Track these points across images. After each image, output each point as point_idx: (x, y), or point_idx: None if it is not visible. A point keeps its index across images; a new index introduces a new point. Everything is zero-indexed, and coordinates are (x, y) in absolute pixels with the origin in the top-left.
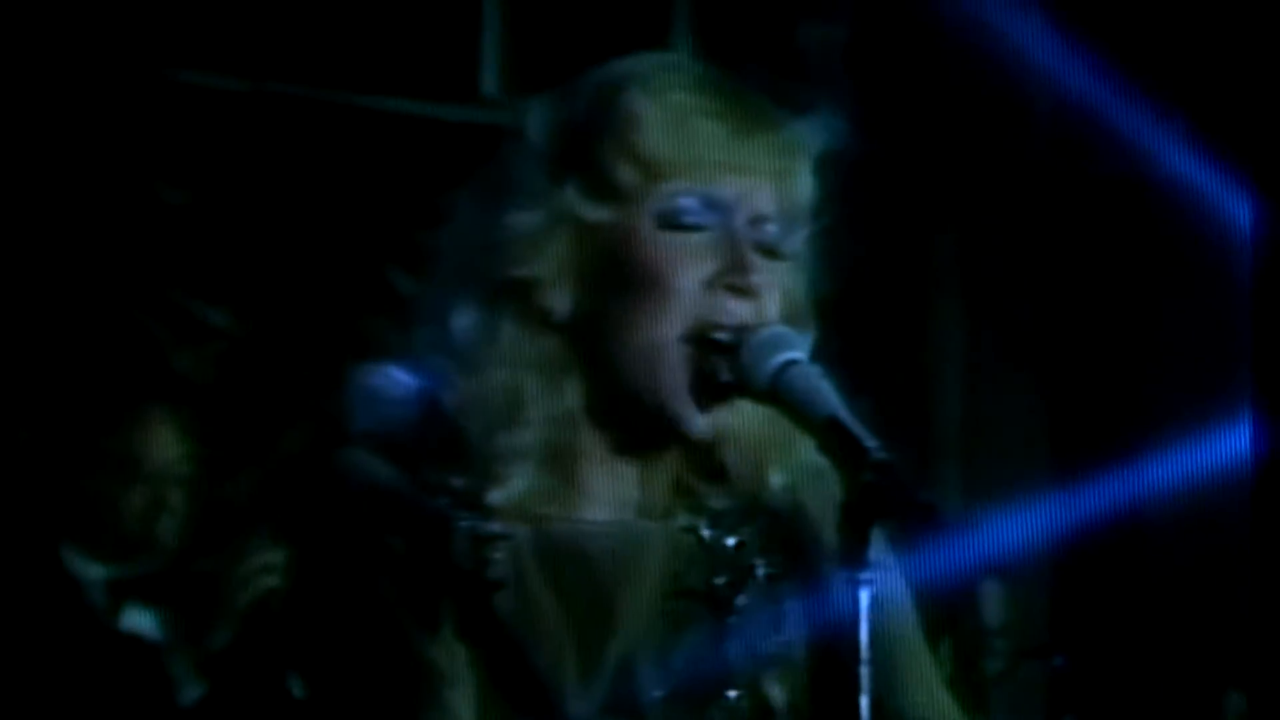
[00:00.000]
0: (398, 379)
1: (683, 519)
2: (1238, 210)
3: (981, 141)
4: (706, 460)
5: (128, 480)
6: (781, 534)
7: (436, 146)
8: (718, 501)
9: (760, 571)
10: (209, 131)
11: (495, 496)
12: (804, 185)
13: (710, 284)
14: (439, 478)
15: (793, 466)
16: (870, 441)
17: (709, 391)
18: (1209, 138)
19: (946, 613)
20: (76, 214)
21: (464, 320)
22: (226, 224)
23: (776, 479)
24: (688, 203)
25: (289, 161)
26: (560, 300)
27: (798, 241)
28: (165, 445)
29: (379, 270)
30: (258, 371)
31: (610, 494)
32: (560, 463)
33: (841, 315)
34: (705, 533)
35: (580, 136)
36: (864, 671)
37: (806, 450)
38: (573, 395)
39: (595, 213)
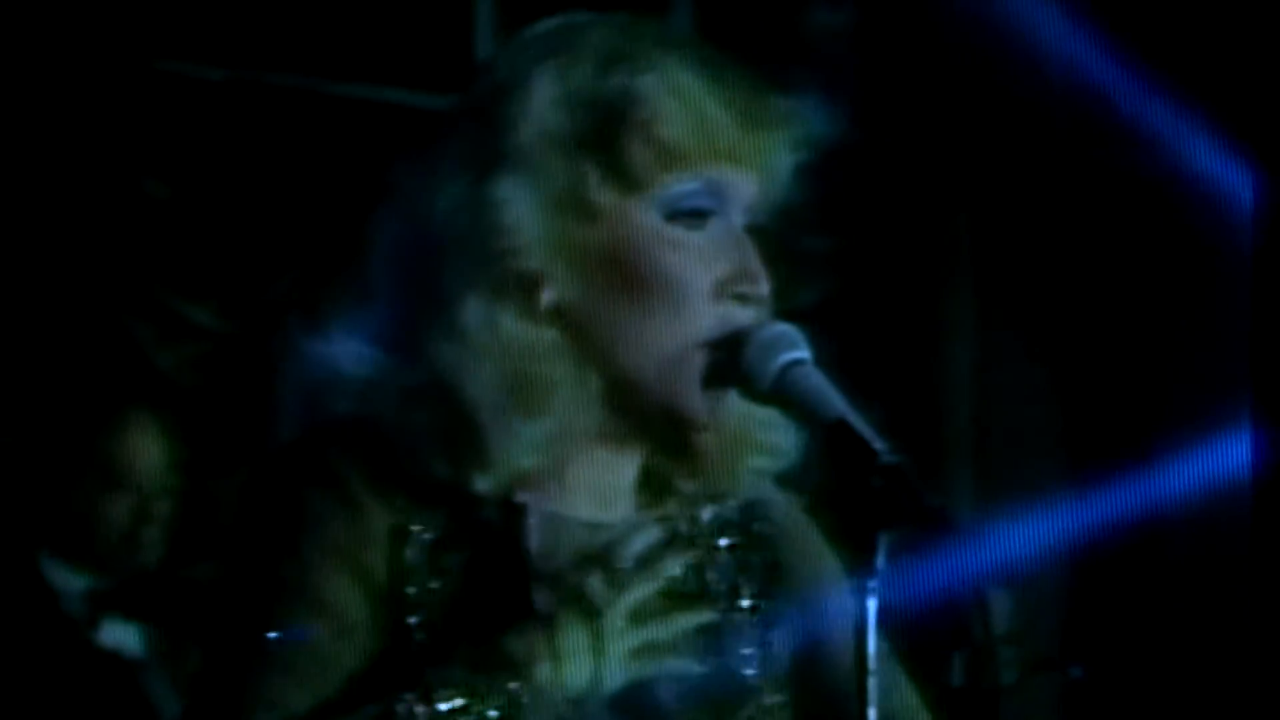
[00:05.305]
0: (362, 356)
1: (662, 519)
2: (1249, 201)
3: (993, 130)
4: (683, 447)
5: (110, 487)
6: (758, 541)
7: (429, 137)
8: (688, 489)
9: (753, 577)
10: (191, 122)
11: (482, 484)
12: (788, 182)
13: (719, 293)
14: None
15: (765, 463)
16: (879, 444)
17: (715, 383)
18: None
19: (957, 623)
20: (55, 209)
21: (467, 308)
22: (209, 218)
23: (749, 473)
24: (692, 186)
25: (274, 153)
26: (562, 290)
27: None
28: (148, 450)
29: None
30: (244, 372)
31: (590, 483)
32: (550, 451)
33: (850, 314)
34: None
35: (598, 116)
36: (871, 683)
37: (781, 439)
38: (573, 386)
39: (604, 196)
